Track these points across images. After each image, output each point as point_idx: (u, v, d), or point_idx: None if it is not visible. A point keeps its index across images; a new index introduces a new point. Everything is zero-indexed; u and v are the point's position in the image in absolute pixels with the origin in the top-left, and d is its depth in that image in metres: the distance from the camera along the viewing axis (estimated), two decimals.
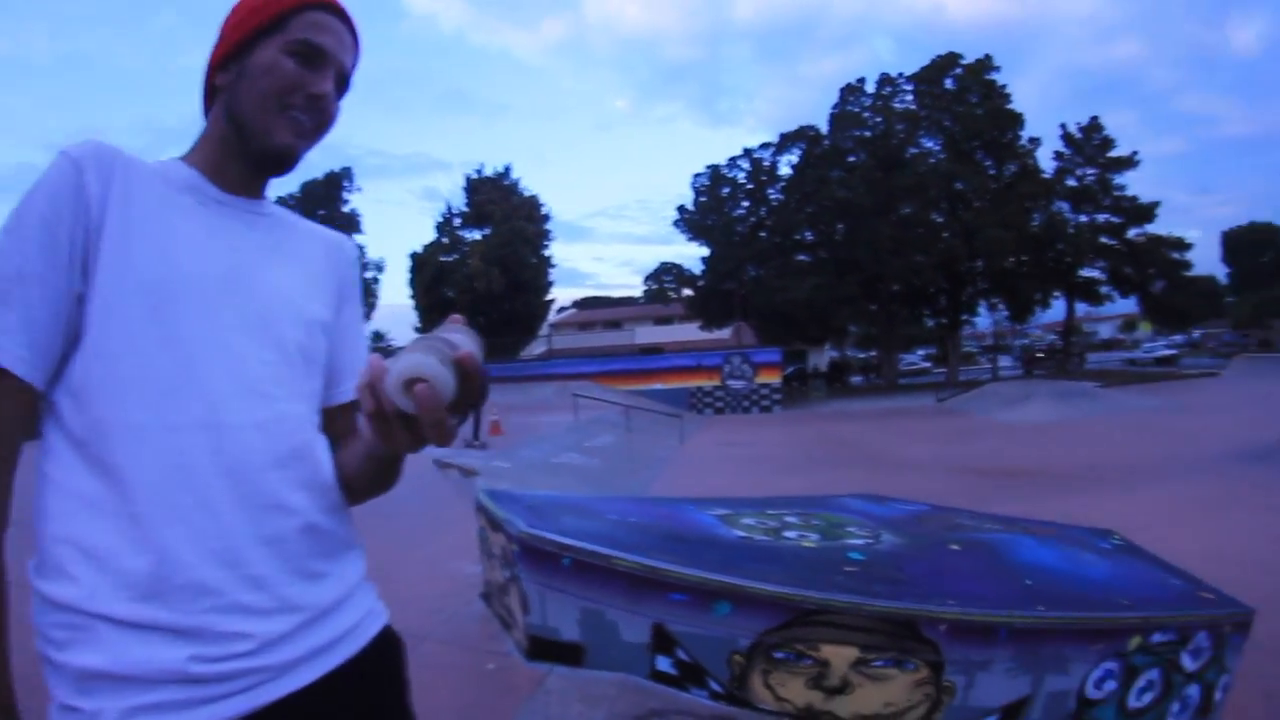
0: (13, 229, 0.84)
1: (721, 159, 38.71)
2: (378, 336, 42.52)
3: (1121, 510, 4.82)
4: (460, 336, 0.80)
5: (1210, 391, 19.72)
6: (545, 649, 2.91)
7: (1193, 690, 2.72)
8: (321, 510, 0.98)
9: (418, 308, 38.67)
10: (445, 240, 39.66)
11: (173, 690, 0.81)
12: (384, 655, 1.06)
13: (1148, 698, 2.65)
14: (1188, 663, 2.67)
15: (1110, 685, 2.60)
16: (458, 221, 39.97)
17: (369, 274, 36.78)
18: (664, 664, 2.80)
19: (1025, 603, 2.62)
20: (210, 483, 0.86)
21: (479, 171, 40.26)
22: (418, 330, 37.27)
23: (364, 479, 1.05)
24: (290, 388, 0.99)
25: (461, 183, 40.63)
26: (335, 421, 1.10)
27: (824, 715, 2.66)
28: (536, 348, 41.38)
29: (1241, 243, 51.54)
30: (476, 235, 39.18)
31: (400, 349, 0.78)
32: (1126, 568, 3.26)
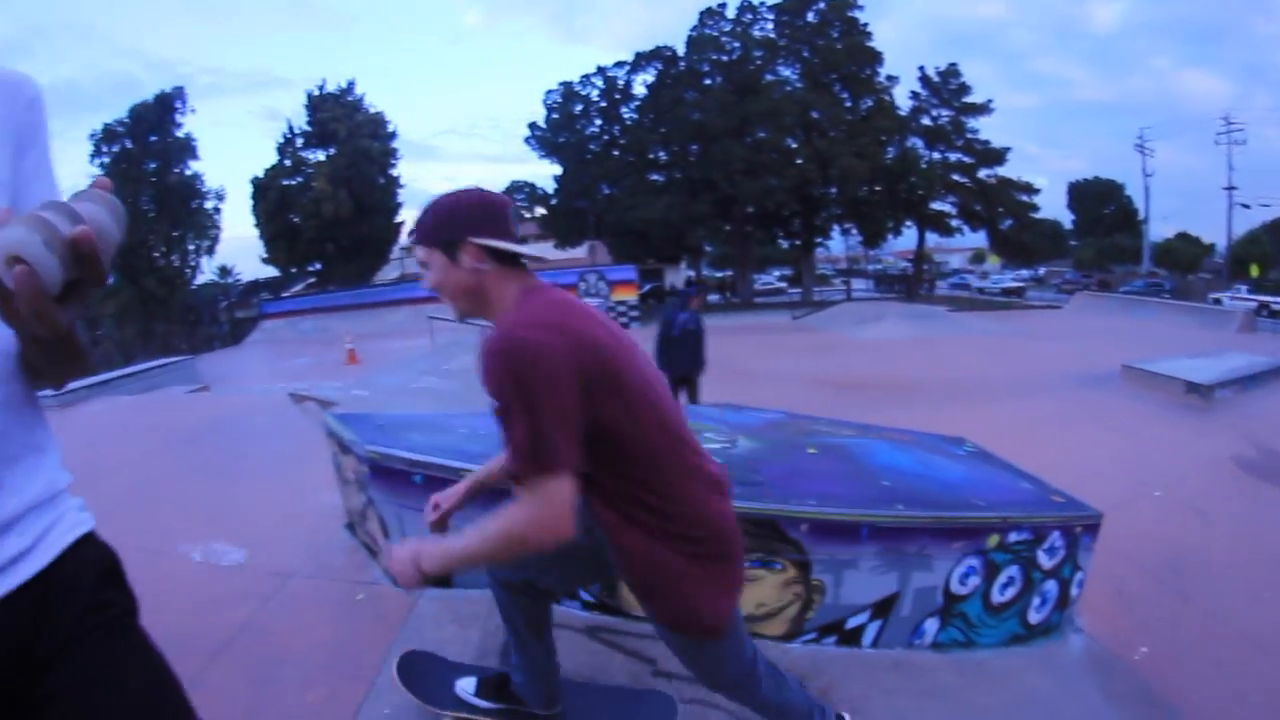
0: None
1: (574, 77, 37.75)
2: (224, 271, 39.56)
3: (971, 423, 5.16)
4: (91, 207, 0.71)
5: (1053, 323, 21.32)
6: None
7: (1050, 586, 2.96)
8: None
9: (263, 237, 36.08)
10: (288, 163, 36.69)
11: None
12: (79, 573, 0.95)
13: (1010, 592, 2.85)
14: (1044, 560, 2.89)
15: (974, 581, 2.78)
16: (300, 142, 37.04)
17: (210, 204, 33.82)
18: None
19: (884, 502, 2.73)
20: None
21: (321, 88, 37.43)
22: (264, 261, 34.87)
23: (30, 357, 0.90)
24: None
25: (304, 101, 37.68)
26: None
27: None
28: (390, 272, 39.79)
29: (1086, 194, 56.00)
30: (320, 156, 36.54)
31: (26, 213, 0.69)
32: (980, 472, 3.48)
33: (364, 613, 2.83)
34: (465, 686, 2.20)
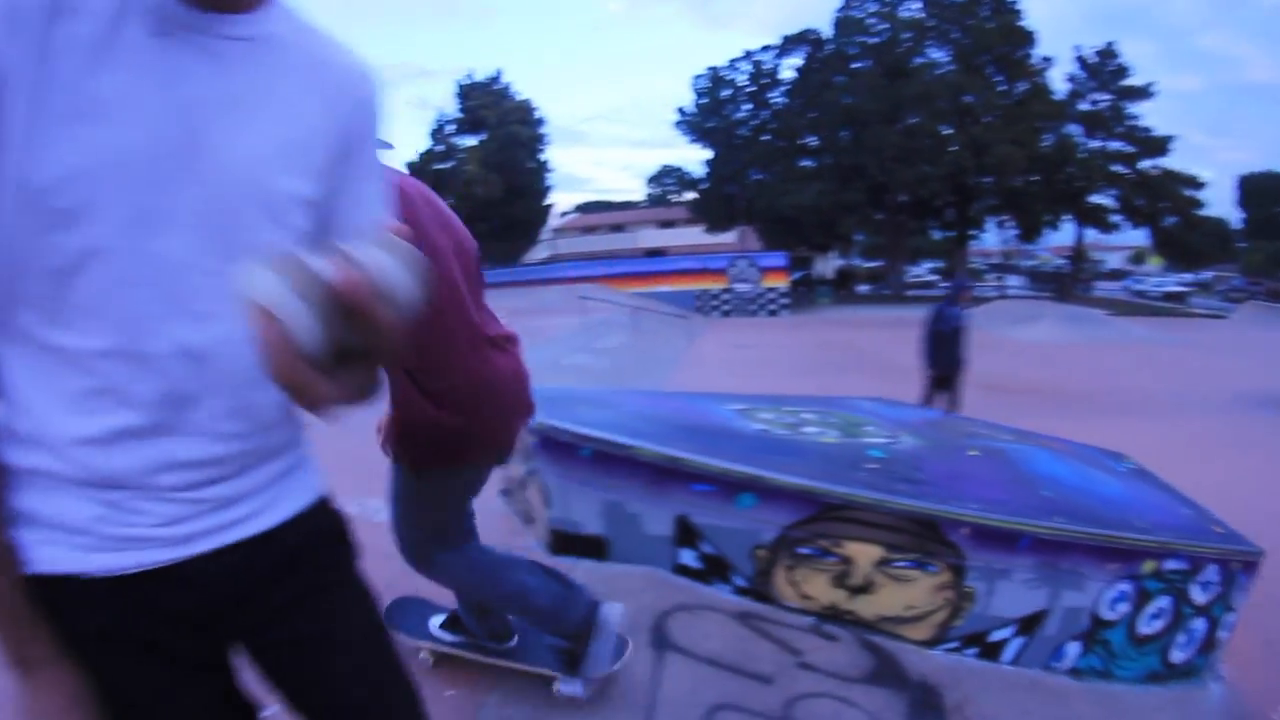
0: None
1: (720, 62, 37.52)
2: None
3: (1129, 438, 4.77)
4: (375, 253, 0.55)
5: (1219, 334, 19.72)
6: (568, 543, 2.89)
7: (1199, 624, 2.73)
8: (252, 432, 0.86)
9: None
10: (440, 148, 38.94)
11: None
12: (307, 529, 0.97)
13: (1157, 624, 2.67)
14: (1197, 594, 2.68)
15: (1124, 607, 2.62)
16: (451, 128, 39.22)
17: None
18: (687, 557, 2.79)
19: (1044, 513, 2.61)
20: (132, 416, 0.77)
21: (469, 78, 39.29)
22: None
23: None
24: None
25: (453, 90, 39.63)
26: None
27: (846, 614, 2.68)
28: (539, 253, 41.09)
29: (1259, 190, 50.00)
30: (472, 141, 38.47)
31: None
32: (1139, 492, 3.26)
33: None
34: (434, 622, 2.49)
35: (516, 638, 2.42)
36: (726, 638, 2.56)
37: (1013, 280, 42.00)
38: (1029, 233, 35.94)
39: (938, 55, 33.50)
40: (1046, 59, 33.30)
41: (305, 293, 0.51)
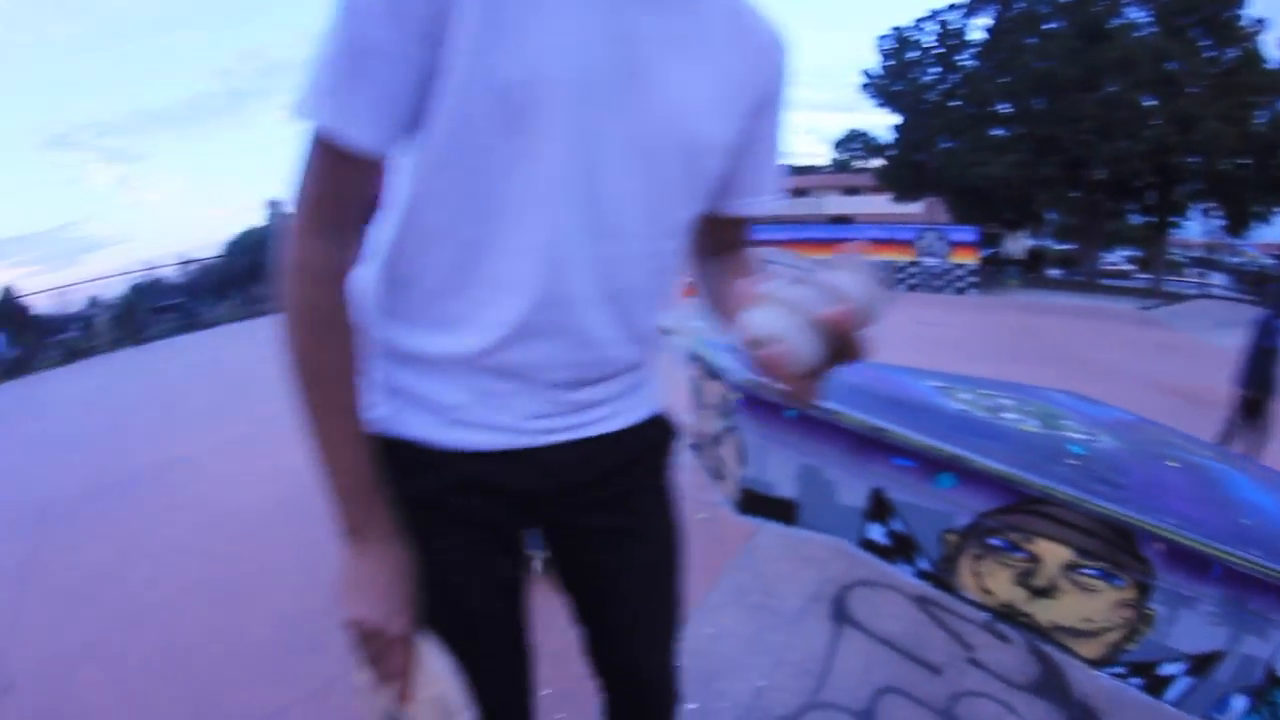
0: (352, 2, 0.71)
1: (906, 21, 35.02)
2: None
3: None
4: (848, 279, 0.65)
5: None
6: (757, 504, 2.94)
7: None
8: (628, 342, 0.93)
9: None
10: None
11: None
12: (642, 438, 1.05)
13: None
14: None
15: None
16: None
17: None
18: (876, 532, 2.77)
19: (1241, 542, 2.36)
20: (529, 312, 0.83)
21: None
22: None
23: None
24: (651, 225, 0.86)
25: None
26: (718, 231, 1.03)
27: (1022, 616, 2.60)
28: None
29: None
30: None
31: (804, 268, 0.67)
32: None
33: (701, 533, 2.96)
34: None
35: None
36: (903, 620, 2.54)
37: (1216, 278, 37.46)
38: (1236, 224, 31.47)
39: (1137, 15, 28.99)
40: (1259, 21, 28.16)
41: (806, 329, 0.63)
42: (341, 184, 0.77)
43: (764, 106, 0.93)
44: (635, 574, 1.09)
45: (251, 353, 4.51)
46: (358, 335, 0.82)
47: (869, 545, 2.77)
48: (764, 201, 1.02)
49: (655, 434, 1.08)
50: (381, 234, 0.86)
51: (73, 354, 17.15)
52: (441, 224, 0.81)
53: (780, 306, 0.64)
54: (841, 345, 0.65)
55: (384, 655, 0.87)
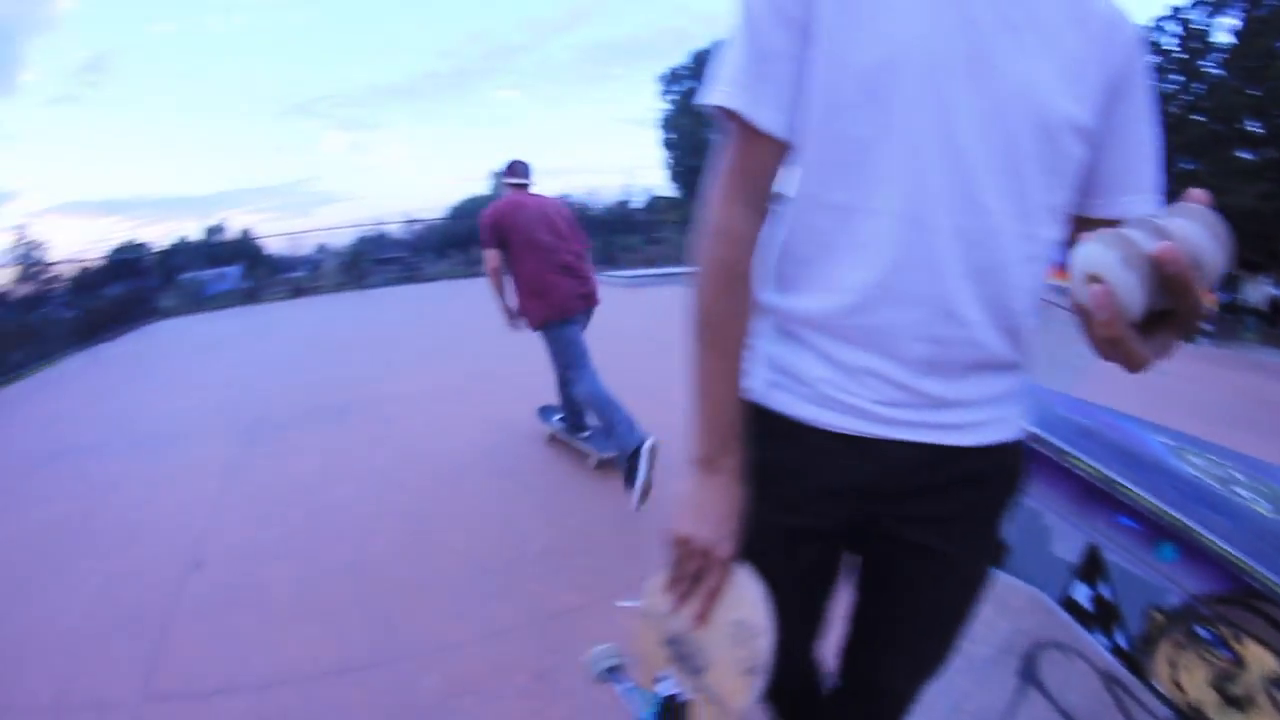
0: (750, 16, 0.89)
1: (1144, 20, 31.15)
2: None
3: None
4: (1183, 223, 0.61)
5: None
6: None
7: None
8: (994, 328, 0.92)
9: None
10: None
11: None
12: (995, 463, 1.01)
13: None
14: None
15: None
16: None
17: None
18: (1081, 593, 2.56)
19: None
20: (888, 272, 0.88)
21: None
22: None
23: None
24: (1011, 201, 0.87)
25: None
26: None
27: None
28: None
29: None
30: None
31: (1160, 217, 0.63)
32: None
33: None
34: (554, 418, 4.83)
35: (589, 432, 4.49)
36: (1086, 695, 2.34)
37: None
38: None
39: None
40: None
41: (1132, 263, 0.59)
42: (752, 161, 0.93)
43: (1120, 91, 0.92)
44: (926, 601, 1.06)
45: (468, 308, 4.83)
46: (753, 297, 0.97)
47: (1070, 605, 2.56)
48: (1140, 201, 0.96)
49: (1008, 463, 1.04)
50: (776, 213, 0.98)
51: (298, 291, 19.19)
52: (814, 194, 0.91)
53: (1108, 240, 0.62)
54: (1175, 295, 0.61)
55: (702, 574, 0.99)
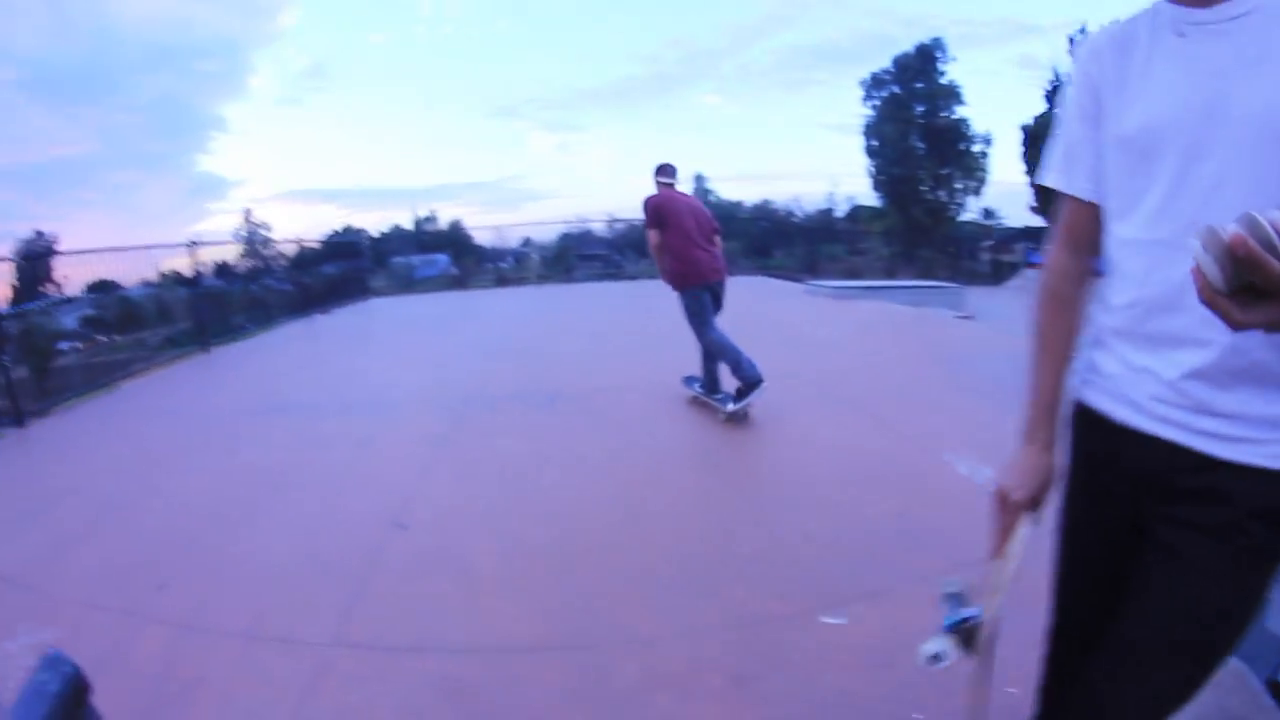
0: (1065, 117, 1.23)
1: None
2: (989, 214, 39.33)
3: None
4: (1274, 217, 0.68)
5: None
6: None
7: None
8: (1257, 346, 0.99)
9: (1032, 185, 35.78)
10: (1057, 110, 35.23)
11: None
12: (1265, 494, 1.02)
13: None
14: None
15: None
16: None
17: (976, 147, 33.85)
18: None
19: None
20: (1160, 287, 1.06)
21: (1083, 31, 34.41)
22: (1033, 210, 34.16)
23: None
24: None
25: (1064, 46, 35.16)
26: None
27: None
28: None
29: None
30: None
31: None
32: None
33: None
34: (694, 384, 5.80)
35: (722, 395, 5.33)
36: None
37: None
38: None
39: None
40: None
41: (1209, 247, 0.72)
42: (1070, 219, 1.25)
43: None
44: (1174, 605, 1.07)
45: (671, 309, 5.01)
46: (1076, 314, 1.26)
47: (1274, 686, 2.42)
48: None
49: (1268, 491, 1.02)
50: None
51: (502, 280, 20.22)
52: (1112, 231, 1.17)
53: (1202, 230, 0.73)
54: (1253, 274, 0.69)
55: (1001, 514, 1.27)
